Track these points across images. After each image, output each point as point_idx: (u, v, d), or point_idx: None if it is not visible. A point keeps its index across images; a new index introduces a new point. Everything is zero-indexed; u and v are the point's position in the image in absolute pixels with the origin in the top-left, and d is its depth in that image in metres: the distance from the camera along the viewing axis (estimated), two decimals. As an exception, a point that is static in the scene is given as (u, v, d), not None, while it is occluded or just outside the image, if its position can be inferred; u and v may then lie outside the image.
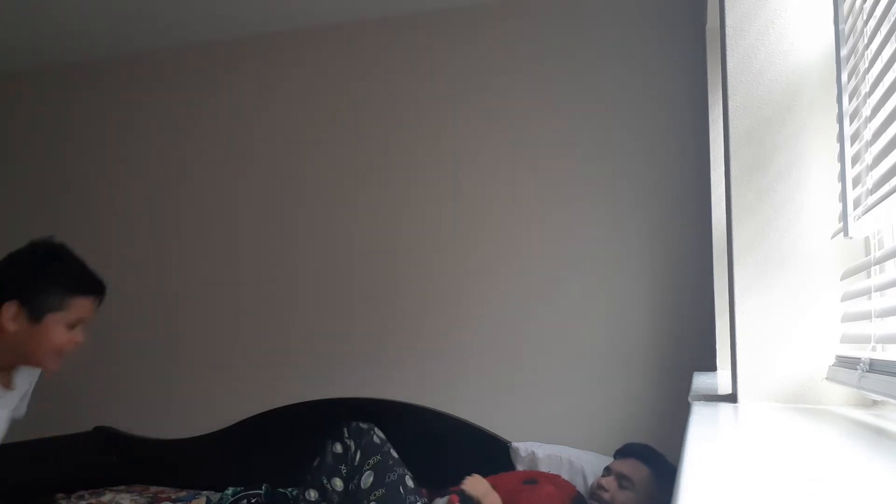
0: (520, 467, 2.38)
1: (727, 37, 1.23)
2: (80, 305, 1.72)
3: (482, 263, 2.68)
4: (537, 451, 2.39)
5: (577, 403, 2.52)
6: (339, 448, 2.05)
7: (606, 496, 1.93)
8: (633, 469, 1.96)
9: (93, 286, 1.80)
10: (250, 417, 2.81)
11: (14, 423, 1.81)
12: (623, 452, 2.06)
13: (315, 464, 2.09)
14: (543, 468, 2.32)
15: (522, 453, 2.41)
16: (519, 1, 2.75)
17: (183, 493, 2.64)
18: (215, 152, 3.06)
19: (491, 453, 2.48)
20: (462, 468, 2.18)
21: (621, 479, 1.94)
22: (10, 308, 1.63)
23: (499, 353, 2.62)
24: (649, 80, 2.58)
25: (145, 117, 3.18)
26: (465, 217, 2.72)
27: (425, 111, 2.82)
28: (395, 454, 2.05)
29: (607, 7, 2.65)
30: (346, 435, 2.07)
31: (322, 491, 2.01)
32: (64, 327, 1.69)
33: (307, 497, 2.01)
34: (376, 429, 2.09)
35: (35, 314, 1.65)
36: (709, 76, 2.25)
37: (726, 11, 1.24)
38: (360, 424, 2.09)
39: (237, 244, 2.99)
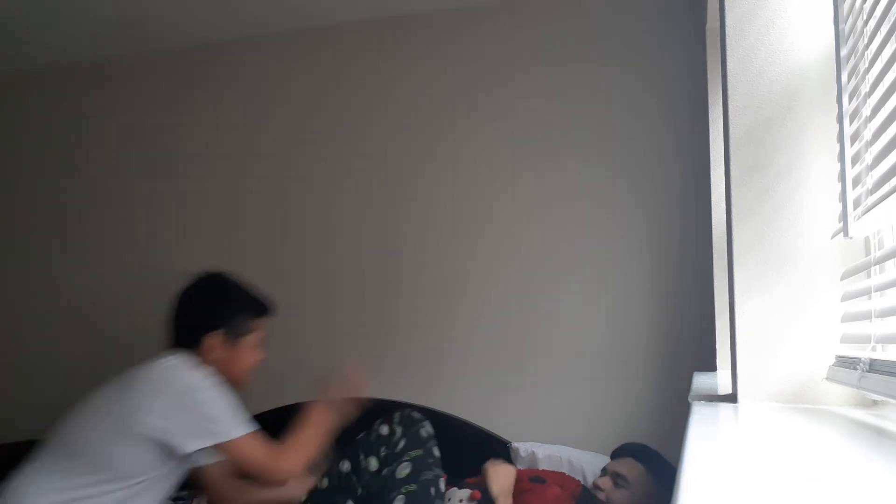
0: (520, 467, 2.38)
1: (727, 37, 1.23)
2: (261, 325, 1.91)
3: (483, 264, 2.68)
4: (537, 451, 2.39)
5: (577, 403, 2.52)
6: (385, 430, 1.97)
7: (602, 496, 1.93)
8: (629, 468, 1.96)
9: (267, 306, 1.96)
10: (251, 417, 2.80)
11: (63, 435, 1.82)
12: (619, 452, 2.07)
13: (358, 437, 2.01)
14: (544, 468, 2.32)
15: (522, 453, 2.41)
16: (519, 1, 2.75)
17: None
18: (221, 152, 3.06)
19: (491, 453, 2.47)
20: (462, 468, 2.18)
21: (616, 477, 1.94)
22: (216, 338, 1.83)
23: (499, 353, 2.62)
24: (649, 80, 2.58)
25: (152, 117, 3.17)
26: (466, 217, 2.72)
27: (427, 112, 2.82)
28: (437, 453, 1.93)
29: (607, 7, 2.65)
30: (397, 420, 1.98)
31: (356, 465, 1.94)
32: (253, 348, 1.89)
33: (339, 468, 1.96)
34: (428, 423, 1.98)
35: (232, 341, 1.85)
36: (709, 76, 2.25)
37: (726, 11, 1.24)
38: (413, 414, 1.99)
39: (241, 243, 2.99)
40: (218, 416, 1.75)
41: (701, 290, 2.31)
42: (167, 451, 1.73)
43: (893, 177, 0.88)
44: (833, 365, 1.12)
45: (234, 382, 1.90)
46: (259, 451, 1.77)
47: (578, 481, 2.17)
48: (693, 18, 2.46)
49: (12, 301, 3.28)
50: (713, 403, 1.22)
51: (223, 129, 3.07)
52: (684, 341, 2.42)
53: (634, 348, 2.49)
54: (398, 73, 2.87)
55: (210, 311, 1.88)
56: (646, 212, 2.53)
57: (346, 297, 2.83)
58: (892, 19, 0.93)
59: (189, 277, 1.96)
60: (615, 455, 2.08)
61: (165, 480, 1.81)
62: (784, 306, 1.16)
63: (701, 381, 1.71)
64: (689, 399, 1.33)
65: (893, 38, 0.93)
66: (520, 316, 2.62)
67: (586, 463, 2.33)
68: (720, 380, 1.68)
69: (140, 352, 3.05)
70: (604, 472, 2.02)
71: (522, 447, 2.42)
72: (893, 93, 0.91)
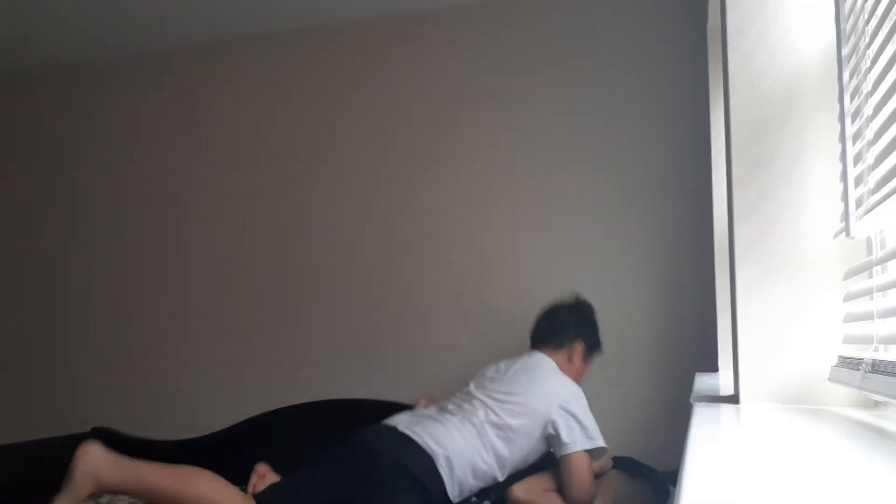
0: None
1: (728, 36, 1.23)
2: (599, 355, 2.23)
3: (484, 264, 2.68)
4: None
5: (577, 404, 2.52)
6: None
7: None
8: (610, 476, 2.10)
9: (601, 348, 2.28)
10: (251, 418, 2.81)
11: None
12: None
13: None
14: None
15: None
16: (519, 0, 2.75)
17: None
18: (221, 152, 3.06)
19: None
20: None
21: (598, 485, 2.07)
22: (581, 346, 2.18)
23: (501, 354, 2.61)
24: (650, 79, 2.57)
25: (152, 117, 3.18)
26: (467, 217, 2.72)
27: (429, 112, 2.82)
28: None
29: (608, 7, 2.65)
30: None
31: None
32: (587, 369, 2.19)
33: None
34: None
35: (589, 355, 2.18)
36: (710, 75, 2.25)
37: (727, 10, 1.23)
38: None
39: (241, 244, 2.99)
40: None
41: (702, 290, 2.31)
42: None
43: (895, 176, 0.88)
44: (835, 365, 1.12)
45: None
46: None
47: None
48: (694, 17, 2.46)
49: (11, 299, 3.28)
50: (715, 404, 1.21)
51: (223, 129, 3.07)
52: (686, 342, 2.42)
53: (636, 349, 2.49)
54: (398, 72, 2.87)
55: (584, 326, 2.22)
56: (647, 212, 2.53)
57: (348, 298, 2.82)
58: (894, 18, 0.92)
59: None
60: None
61: None
62: (786, 306, 1.16)
63: (703, 381, 1.71)
64: (691, 400, 1.33)
65: (895, 37, 0.92)
66: (521, 316, 2.61)
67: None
68: (722, 380, 1.67)
69: (140, 351, 3.06)
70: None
71: None
72: (895, 92, 0.90)
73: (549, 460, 2.11)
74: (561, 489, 2.00)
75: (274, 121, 3.00)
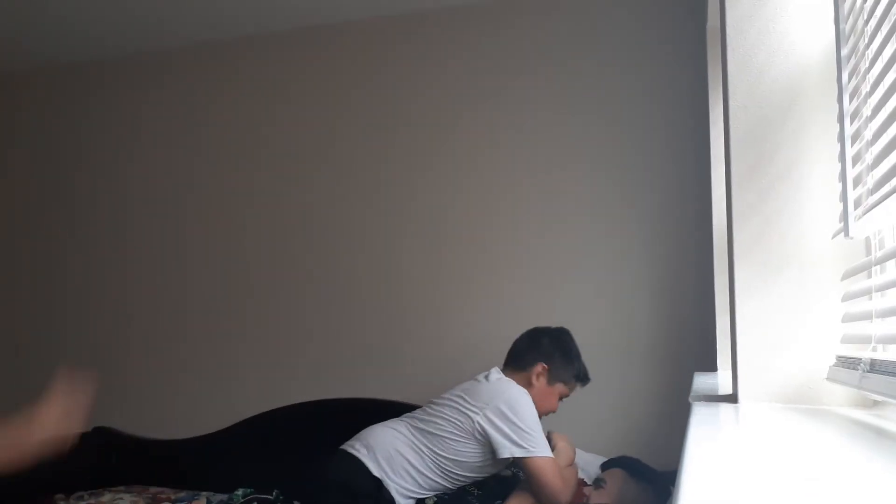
0: None
1: (728, 36, 1.23)
2: (572, 387, 2.16)
3: (484, 265, 2.68)
4: None
5: (578, 404, 2.51)
6: None
7: (584, 499, 2.04)
8: (609, 473, 2.11)
9: (585, 377, 2.19)
10: (251, 418, 2.81)
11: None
12: (605, 465, 2.21)
13: None
14: None
15: None
16: (519, 0, 2.75)
17: (182, 494, 2.63)
18: (221, 152, 3.06)
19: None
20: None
21: (598, 482, 2.08)
22: (543, 369, 2.12)
23: (500, 354, 2.61)
24: (650, 79, 2.57)
25: (152, 117, 3.17)
26: (468, 218, 2.72)
27: (429, 112, 2.82)
28: None
29: (608, 7, 2.65)
30: None
31: None
32: (557, 397, 2.13)
33: None
34: None
35: (554, 379, 2.12)
36: (709, 76, 2.25)
37: (727, 11, 1.24)
38: None
39: (241, 244, 2.99)
40: None
41: (701, 290, 2.31)
42: None
43: (894, 177, 0.88)
44: (834, 365, 1.12)
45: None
46: None
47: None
48: (693, 18, 2.46)
49: (12, 299, 3.28)
50: (714, 404, 1.21)
51: (223, 129, 3.06)
52: (685, 341, 2.42)
53: (635, 349, 2.49)
54: (398, 72, 2.86)
55: (550, 350, 2.17)
56: (646, 212, 2.53)
57: (349, 299, 2.82)
58: (893, 19, 0.92)
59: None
60: (604, 467, 2.20)
61: None
62: (785, 306, 1.16)
63: (701, 381, 1.71)
64: (690, 399, 1.33)
65: (894, 37, 0.93)
66: (521, 316, 2.61)
67: (586, 463, 2.34)
68: (721, 380, 1.68)
69: (140, 351, 3.06)
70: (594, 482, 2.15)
71: None
72: (894, 93, 0.91)
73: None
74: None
75: (274, 121, 3.00)
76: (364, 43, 2.92)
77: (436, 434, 2.02)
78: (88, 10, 2.81)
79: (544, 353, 2.14)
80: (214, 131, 3.08)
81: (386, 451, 2.00)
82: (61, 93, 3.30)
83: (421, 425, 2.05)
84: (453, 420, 2.01)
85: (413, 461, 2.00)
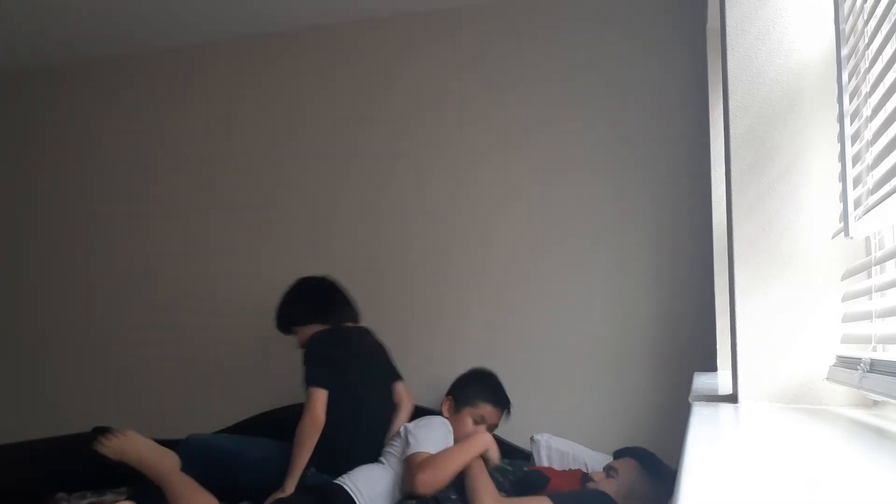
0: (542, 455, 2.41)
1: (728, 36, 1.23)
2: (488, 411, 2.27)
3: (485, 265, 2.68)
4: (552, 443, 2.42)
5: (578, 403, 2.52)
6: None
7: (592, 485, 2.04)
8: (622, 463, 2.09)
9: (502, 401, 2.32)
10: (251, 417, 2.81)
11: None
12: (619, 453, 2.18)
13: None
14: (556, 463, 2.36)
15: (542, 445, 2.43)
16: (519, 2, 2.75)
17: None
18: (221, 152, 3.06)
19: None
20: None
21: (609, 470, 2.06)
22: (447, 401, 2.31)
23: (500, 354, 2.62)
24: (650, 80, 2.57)
25: (151, 116, 3.17)
26: (469, 218, 2.72)
27: (430, 112, 2.82)
28: None
29: (608, 7, 2.65)
30: None
31: None
32: (471, 420, 2.24)
33: None
34: None
35: (458, 409, 2.26)
36: (709, 76, 2.25)
37: (727, 11, 1.24)
38: None
39: (240, 244, 2.99)
40: None
41: (701, 290, 2.31)
42: None
43: (894, 177, 0.88)
44: (833, 365, 1.12)
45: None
46: None
47: (579, 469, 2.25)
48: (693, 18, 2.46)
49: (11, 299, 3.28)
50: (714, 404, 1.21)
51: (222, 128, 3.07)
52: (685, 342, 2.42)
53: (635, 349, 2.49)
54: (398, 72, 2.87)
55: (459, 382, 2.36)
56: (646, 212, 2.53)
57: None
58: (893, 19, 0.92)
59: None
60: (616, 455, 2.17)
61: None
62: (784, 306, 1.16)
63: (701, 381, 1.71)
64: (690, 399, 1.33)
65: (894, 38, 0.93)
66: (521, 316, 2.62)
67: (590, 459, 2.35)
68: (721, 380, 1.68)
69: (140, 351, 3.06)
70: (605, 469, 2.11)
71: (542, 439, 2.44)
72: (894, 93, 0.91)
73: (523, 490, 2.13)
74: None
75: (274, 121, 3.00)
76: (364, 43, 2.92)
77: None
78: (88, 10, 2.80)
79: (453, 387, 2.33)
80: (214, 131, 3.08)
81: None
82: (61, 92, 3.30)
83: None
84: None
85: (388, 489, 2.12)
